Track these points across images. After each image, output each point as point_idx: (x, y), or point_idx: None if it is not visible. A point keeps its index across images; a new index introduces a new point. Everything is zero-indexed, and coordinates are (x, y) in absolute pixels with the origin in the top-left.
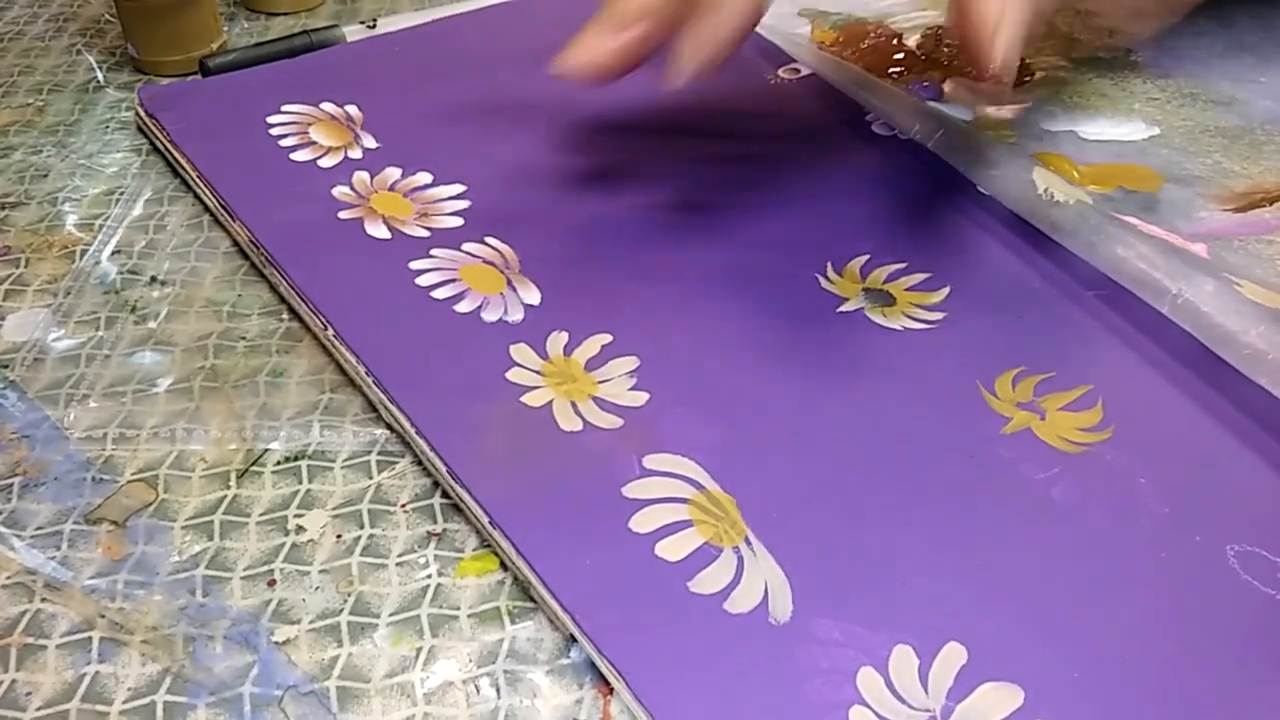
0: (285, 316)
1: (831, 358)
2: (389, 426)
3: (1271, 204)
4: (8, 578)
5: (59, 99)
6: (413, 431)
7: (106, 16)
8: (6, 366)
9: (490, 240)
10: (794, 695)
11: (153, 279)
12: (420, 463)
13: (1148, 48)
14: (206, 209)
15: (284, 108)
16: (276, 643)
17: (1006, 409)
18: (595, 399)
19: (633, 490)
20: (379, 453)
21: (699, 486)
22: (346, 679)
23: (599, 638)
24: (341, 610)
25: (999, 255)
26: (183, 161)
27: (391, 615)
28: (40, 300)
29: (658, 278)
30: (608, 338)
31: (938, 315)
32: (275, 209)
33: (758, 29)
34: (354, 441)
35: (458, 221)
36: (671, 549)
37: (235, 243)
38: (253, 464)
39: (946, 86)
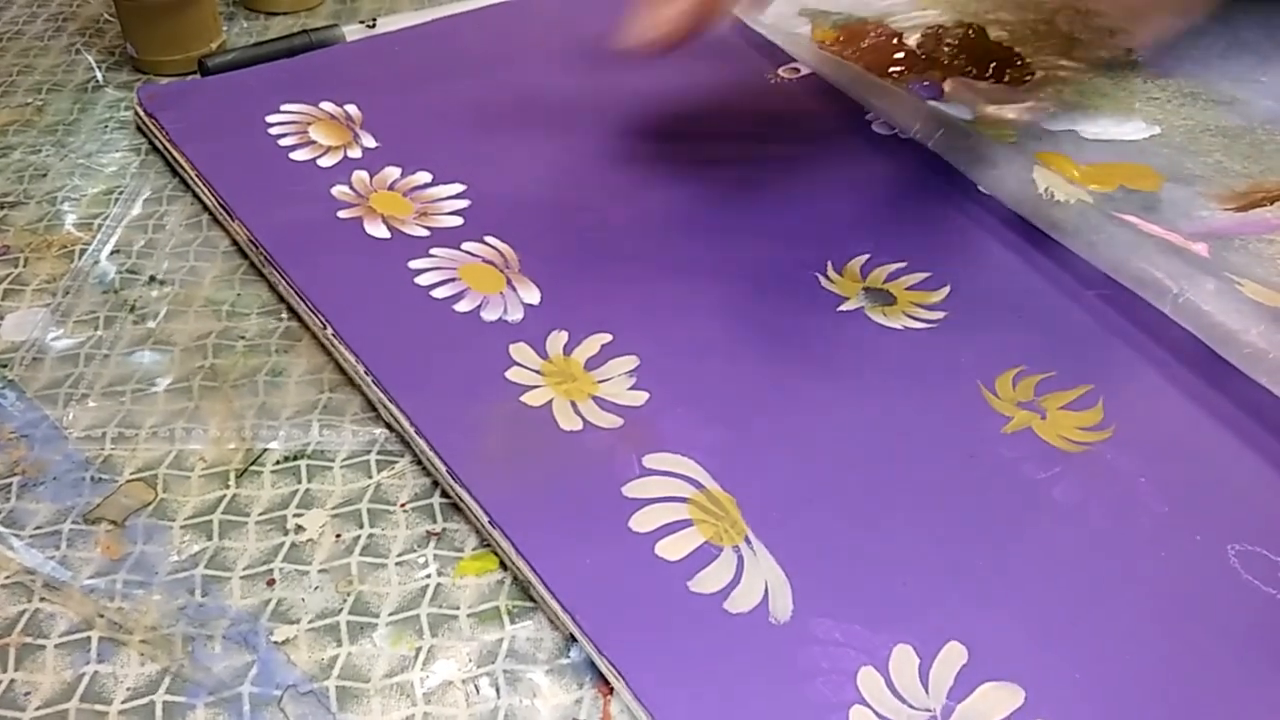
0: (284, 316)
1: (832, 357)
2: (388, 426)
3: (1272, 203)
4: (6, 577)
5: (58, 98)
6: (412, 431)
7: (106, 16)
8: (5, 366)
9: (490, 239)
10: (794, 695)
11: (152, 278)
12: (420, 462)
13: (1151, 50)
14: (205, 208)
15: (283, 107)
16: (276, 642)
17: (1007, 408)
18: (595, 398)
19: (633, 490)
20: (378, 452)
21: (699, 486)
22: (346, 679)
23: (599, 637)
24: (341, 610)
25: (999, 254)
26: (182, 161)
27: (391, 615)
28: (39, 300)
29: (658, 277)
30: (607, 337)
31: (938, 314)
32: (274, 208)
33: (758, 29)
34: (353, 441)
35: (457, 221)
36: (671, 548)
37: (234, 242)
38: (252, 463)
39: (946, 86)
